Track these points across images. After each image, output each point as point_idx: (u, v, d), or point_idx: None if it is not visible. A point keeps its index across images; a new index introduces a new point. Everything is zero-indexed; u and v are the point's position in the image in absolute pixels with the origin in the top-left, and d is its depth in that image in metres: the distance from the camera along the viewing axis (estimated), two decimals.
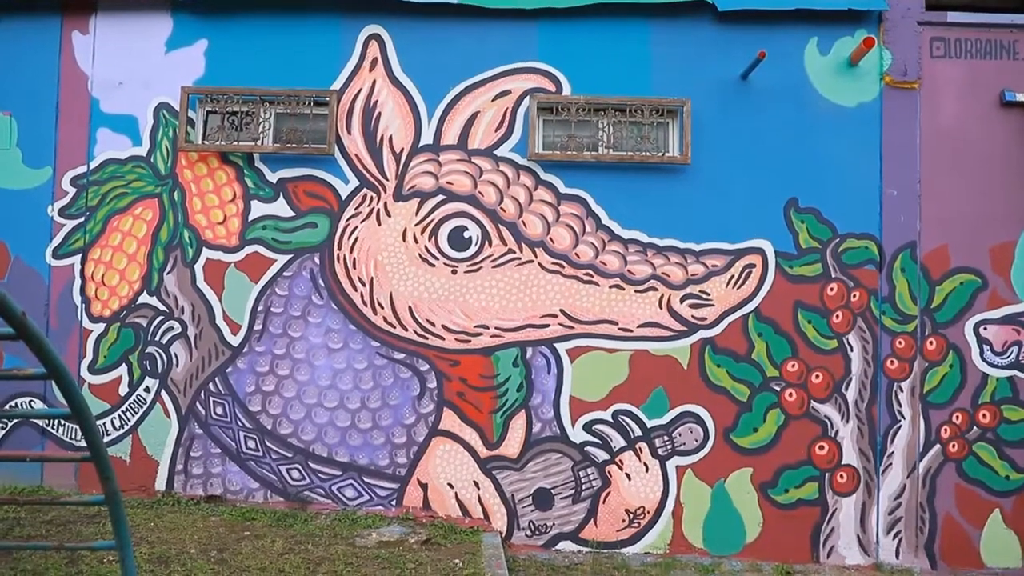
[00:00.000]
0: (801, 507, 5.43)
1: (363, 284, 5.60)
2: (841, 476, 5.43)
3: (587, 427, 5.49)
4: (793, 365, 5.48)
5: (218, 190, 5.69)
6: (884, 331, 5.48)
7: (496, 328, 5.54)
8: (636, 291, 5.53)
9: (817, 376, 5.47)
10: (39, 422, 5.68)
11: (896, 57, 5.58)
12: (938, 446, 5.44)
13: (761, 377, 5.48)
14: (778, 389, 5.47)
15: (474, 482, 5.50)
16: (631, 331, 5.51)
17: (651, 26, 5.65)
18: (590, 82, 5.62)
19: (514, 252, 5.57)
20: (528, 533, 5.47)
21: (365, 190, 5.63)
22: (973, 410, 5.45)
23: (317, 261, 5.62)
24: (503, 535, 5.40)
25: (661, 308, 5.52)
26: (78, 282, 5.69)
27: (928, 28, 5.62)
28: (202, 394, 5.61)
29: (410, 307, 5.57)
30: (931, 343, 5.49)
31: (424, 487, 5.51)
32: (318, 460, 5.55)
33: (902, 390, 5.47)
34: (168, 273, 5.65)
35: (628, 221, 5.56)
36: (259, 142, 5.65)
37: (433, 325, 5.56)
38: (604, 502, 5.46)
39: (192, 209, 5.68)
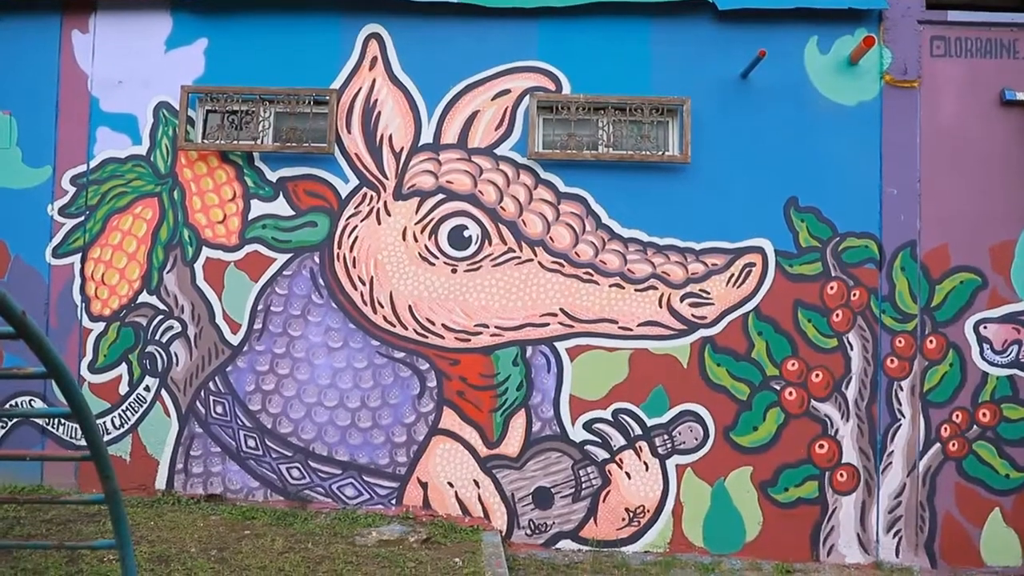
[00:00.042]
0: (801, 506, 5.43)
1: (363, 283, 5.60)
2: (841, 475, 5.44)
3: (587, 426, 5.49)
4: (793, 364, 5.48)
5: (218, 189, 5.69)
6: (884, 330, 5.48)
7: (496, 327, 5.54)
8: (636, 290, 5.53)
9: (817, 375, 5.47)
10: (39, 421, 5.69)
11: (896, 56, 5.58)
12: (938, 445, 5.44)
13: (761, 376, 5.48)
14: (778, 388, 5.47)
15: (474, 481, 5.51)
16: (631, 330, 5.51)
17: (651, 25, 5.65)
18: (590, 81, 5.61)
19: (514, 251, 5.57)
20: (528, 532, 5.47)
21: (365, 189, 5.63)
22: (973, 409, 5.45)
23: (317, 260, 5.62)
24: (503, 534, 5.40)
25: (661, 307, 5.52)
26: (78, 281, 5.69)
27: (928, 27, 5.62)
28: (202, 393, 5.61)
29: (410, 306, 5.57)
30: (931, 342, 5.49)
31: (424, 486, 5.52)
32: (318, 459, 5.55)
33: (902, 389, 5.47)
34: (168, 272, 5.66)
35: (628, 220, 5.56)
36: (259, 141, 5.65)
37: (433, 324, 5.56)
38: (604, 501, 5.47)
39: (192, 208, 5.68)
